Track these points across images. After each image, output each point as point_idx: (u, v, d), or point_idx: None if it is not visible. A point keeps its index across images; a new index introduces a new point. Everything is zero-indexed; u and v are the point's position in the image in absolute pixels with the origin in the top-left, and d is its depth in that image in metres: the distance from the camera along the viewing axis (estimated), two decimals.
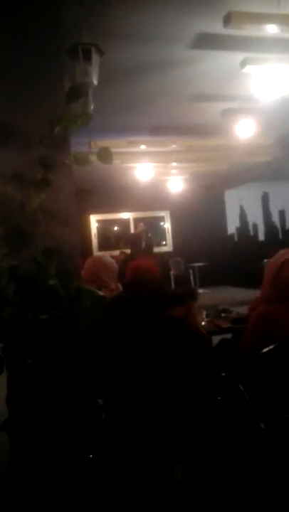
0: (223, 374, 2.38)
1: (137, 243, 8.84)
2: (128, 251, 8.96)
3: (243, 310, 3.32)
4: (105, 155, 1.80)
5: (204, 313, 3.19)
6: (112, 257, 2.96)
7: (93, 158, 1.81)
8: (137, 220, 10.16)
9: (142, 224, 9.18)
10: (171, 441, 1.94)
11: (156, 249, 9.61)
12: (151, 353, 1.96)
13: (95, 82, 2.38)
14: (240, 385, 2.15)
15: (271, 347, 1.89)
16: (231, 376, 2.32)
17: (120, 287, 2.69)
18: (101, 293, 1.73)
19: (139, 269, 2.20)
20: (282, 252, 2.16)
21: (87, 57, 2.37)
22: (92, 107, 2.28)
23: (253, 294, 2.41)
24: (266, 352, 1.89)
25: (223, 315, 3.15)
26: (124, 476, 1.89)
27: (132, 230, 10.18)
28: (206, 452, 2.08)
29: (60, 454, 1.69)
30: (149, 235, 9.09)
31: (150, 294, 2.09)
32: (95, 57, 2.40)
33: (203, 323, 3.01)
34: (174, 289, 6.83)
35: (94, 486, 1.76)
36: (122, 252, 8.72)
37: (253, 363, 1.96)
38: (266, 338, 1.92)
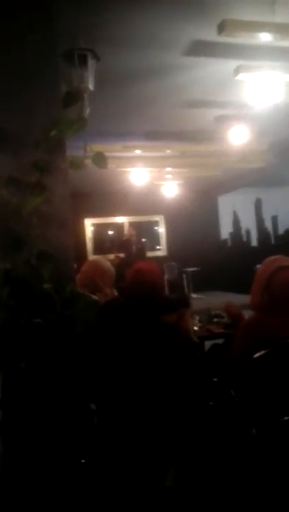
0: (215, 379, 2.39)
1: (127, 248, 8.85)
2: (122, 255, 8.98)
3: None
4: (100, 159, 1.81)
5: (197, 318, 3.20)
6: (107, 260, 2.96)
7: (88, 162, 1.82)
8: (131, 225, 10.17)
9: (130, 229, 9.20)
10: (163, 447, 1.94)
11: (150, 254, 9.64)
12: (144, 358, 1.96)
13: (91, 87, 2.41)
14: (231, 391, 2.16)
15: (262, 352, 1.90)
16: (223, 381, 2.32)
17: (115, 293, 2.68)
18: (95, 297, 1.73)
19: (140, 272, 2.18)
20: (272, 258, 2.16)
21: (83, 63, 2.39)
22: (87, 112, 2.30)
23: (245, 299, 2.43)
24: (257, 357, 1.90)
25: (215, 320, 3.16)
26: (116, 481, 1.89)
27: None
28: (197, 457, 2.08)
29: (53, 457, 1.68)
30: (144, 239, 9.12)
31: (147, 297, 2.08)
32: (91, 63, 2.43)
33: (195, 328, 3.02)
34: (167, 295, 6.83)
35: (86, 491, 1.76)
36: (116, 256, 8.73)
37: (244, 368, 1.97)
38: (257, 345, 1.93)
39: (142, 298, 2.07)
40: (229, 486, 2.05)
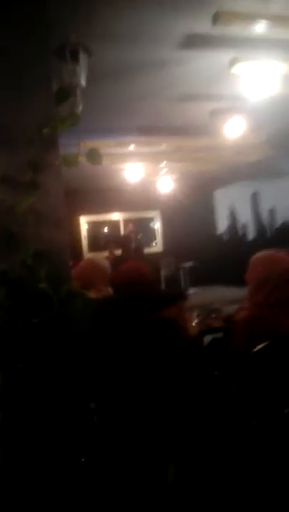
0: (216, 373, 2.38)
1: (126, 245, 8.85)
2: (117, 252, 8.96)
3: (234, 309, 3.33)
4: (94, 156, 1.79)
5: (195, 312, 3.20)
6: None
7: (82, 159, 1.80)
8: (126, 222, 10.13)
9: (130, 225, 9.17)
10: (163, 443, 1.93)
11: (146, 250, 9.62)
12: (143, 355, 1.95)
13: (83, 82, 2.37)
14: (231, 384, 2.16)
15: (262, 345, 1.91)
16: (223, 375, 2.32)
17: (110, 291, 2.69)
18: (91, 295, 1.72)
19: (129, 271, 2.21)
20: (267, 253, 2.16)
21: (75, 58, 2.35)
22: (80, 108, 2.27)
23: (243, 292, 2.43)
24: (257, 351, 1.91)
25: (213, 315, 3.16)
26: (116, 479, 1.88)
27: (122, 232, 10.16)
28: (198, 452, 2.08)
29: (52, 457, 1.67)
30: (139, 236, 9.11)
31: (141, 295, 2.09)
32: (83, 58, 2.39)
33: (194, 322, 3.02)
34: (164, 290, 6.84)
35: (86, 489, 1.75)
36: (110, 253, 8.71)
37: (244, 361, 1.97)
38: (258, 339, 1.93)
39: (134, 296, 2.09)
40: (231, 480, 2.05)
